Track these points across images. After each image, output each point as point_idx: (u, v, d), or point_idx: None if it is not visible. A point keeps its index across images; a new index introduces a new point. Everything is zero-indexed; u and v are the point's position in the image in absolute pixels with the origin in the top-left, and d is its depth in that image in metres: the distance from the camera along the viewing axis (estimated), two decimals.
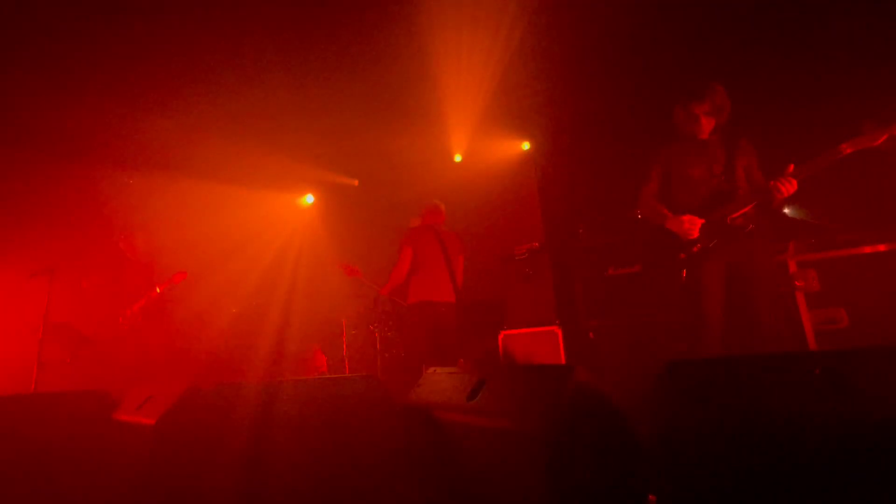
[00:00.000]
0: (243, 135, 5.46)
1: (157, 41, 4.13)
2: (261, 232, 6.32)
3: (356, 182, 6.64)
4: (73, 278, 4.39)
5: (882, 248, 2.66)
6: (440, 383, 1.50)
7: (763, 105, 3.55)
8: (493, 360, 4.19)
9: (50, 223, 4.89)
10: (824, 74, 3.44)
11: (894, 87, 3.04)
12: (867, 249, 2.69)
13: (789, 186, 2.25)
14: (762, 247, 2.44)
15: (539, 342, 3.73)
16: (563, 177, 5.19)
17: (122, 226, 4.60)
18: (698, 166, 2.55)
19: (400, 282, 3.47)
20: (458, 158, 5.88)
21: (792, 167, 2.26)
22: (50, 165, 4.89)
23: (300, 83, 4.94)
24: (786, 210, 3.27)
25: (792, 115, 3.46)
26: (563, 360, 3.57)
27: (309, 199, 6.82)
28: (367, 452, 1.37)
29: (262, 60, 4.52)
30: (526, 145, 5.64)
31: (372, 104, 5.35)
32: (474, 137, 5.65)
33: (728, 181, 2.46)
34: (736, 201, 2.42)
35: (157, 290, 4.22)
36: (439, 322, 3.35)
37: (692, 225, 2.46)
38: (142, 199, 5.31)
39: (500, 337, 3.96)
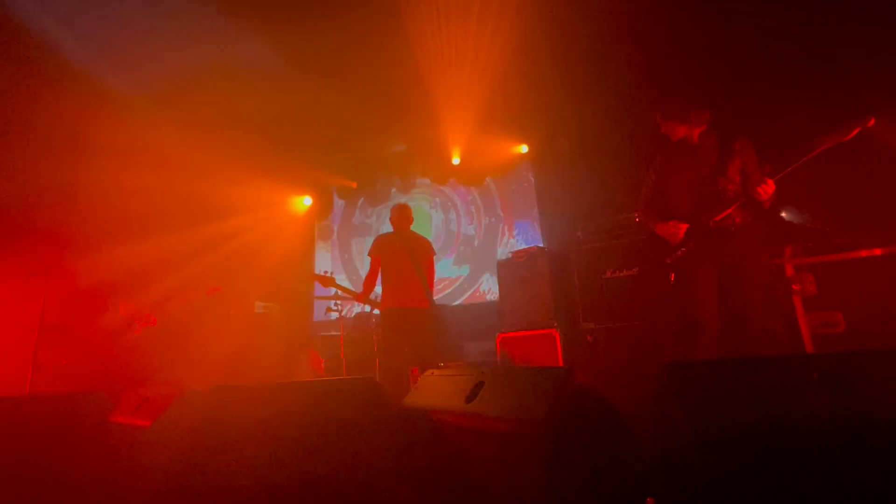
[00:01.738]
0: (242, 137, 5.46)
1: (159, 44, 4.13)
2: (259, 234, 6.31)
3: (354, 184, 6.64)
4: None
5: (878, 251, 2.67)
6: (438, 386, 1.50)
7: (763, 105, 3.57)
8: (492, 363, 4.18)
9: (47, 225, 4.87)
10: (825, 75, 3.46)
11: (870, 84, 3.08)
12: (864, 253, 2.71)
13: (766, 187, 2.27)
14: (750, 248, 2.45)
15: (537, 345, 3.73)
16: (561, 179, 5.21)
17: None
18: (688, 170, 2.56)
19: (370, 291, 3.51)
20: (456, 161, 5.89)
21: (768, 168, 2.28)
22: (48, 167, 4.87)
23: (298, 85, 4.95)
24: (783, 214, 3.29)
25: (790, 115, 3.48)
26: (560, 363, 3.57)
27: (307, 201, 6.81)
28: (365, 455, 1.36)
29: (262, 61, 4.52)
30: (524, 148, 5.66)
31: (370, 106, 5.35)
32: (472, 140, 5.66)
33: (715, 183, 2.47)
34: (721, 203, 2.44)
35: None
36: (413, 328, 3.35)
37: (677, 229, 2.49)
38: (140, 201, 5.29)
39: (499, 339, 3.96)
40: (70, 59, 4.11)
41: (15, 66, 4.13)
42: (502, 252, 5.54)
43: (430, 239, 3.78)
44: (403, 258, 3.44)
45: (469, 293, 5.72)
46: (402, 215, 3.67)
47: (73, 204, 4.97)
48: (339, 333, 4.54)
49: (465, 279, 5.77)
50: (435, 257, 3.70)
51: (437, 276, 4.01)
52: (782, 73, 3.66)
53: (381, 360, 3.99)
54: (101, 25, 3.88)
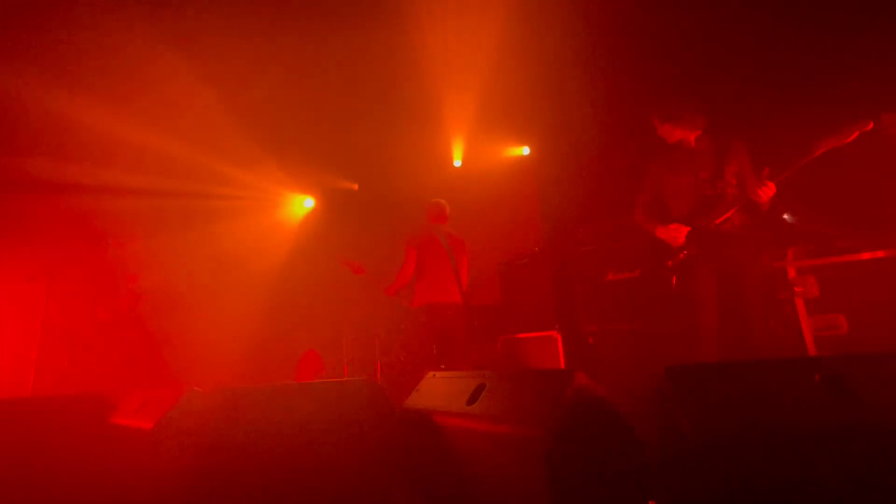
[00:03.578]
0: (243, 138, 5.46)
1: (158, 43, 4.14)
2: (260, 235, 6.32)
3: (356, 186, 6.65)
4: (75, 286, 4.40)
5: (881, 254, 2.66)
6: (440, 388, 1.50)
7: (763, 108, 3.57)
8: (493, 365, 4.17)
9: (48, 227, 4.88)
10: (824, 77, 3.46)
11: (870, 85, 3.08)
12: (866, 255, 2.70)
13: (767, 190, 2.27)
14: (750, 250, 2.46)
15: (538, 347, 3.72)
16: (563, 181, 5.20)
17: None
18: (685, 174, 2.58)
19: (406, 283, 3.44)
20: (457, 163, 5.89)
21: (767, 170, 2.29)
22: (48, 169, 4.89)
23: (299, 87, 4.96)
24: (785, 216, 3.29)
25: (790, 118, 3.48)
26: (562, 365, 3.56)
27: (308, 203, 6.81)
28: (366, 457, 1.36)
29: (262, 63, 4.54)
30: (525, 150, 5.66)
31: (372, 108, 5.36)
32: (473, 142, 5.67)
33: (713, 187, 2.48)
34: (720, 206, 2.44)
35: (129, 289, 4.26)
36: (447, 323, 3.34)
37: (678, 232, 2.50)
38: (140, 203, 5.30)
39: (500, 342, 3.95)
40: (67, 55, 4.11)
41: (12, 65, 4.15)
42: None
43: None
44: (440, 253, 3.41)
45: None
46: (440, 212, 3.64)
47: (75, 207, 4.99)
48: (341, 335, 4.54)
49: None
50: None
51: None
52: (782, 76, 3.67)
53: (404, 357, 3.95)
54: (101, 23, 3.89)
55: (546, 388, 1.07)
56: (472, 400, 1.26)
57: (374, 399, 1.47)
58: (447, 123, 5.41)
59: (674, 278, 2.57)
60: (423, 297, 3.35)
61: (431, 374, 1.62)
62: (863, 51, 3.27)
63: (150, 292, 4.39)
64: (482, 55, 4.49)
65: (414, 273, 3.42)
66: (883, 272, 2.64)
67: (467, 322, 3.65)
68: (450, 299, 3.36)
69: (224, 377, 4.84)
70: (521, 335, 3.86)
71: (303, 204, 6.79)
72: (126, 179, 5.20)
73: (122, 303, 4.24)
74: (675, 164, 2.63)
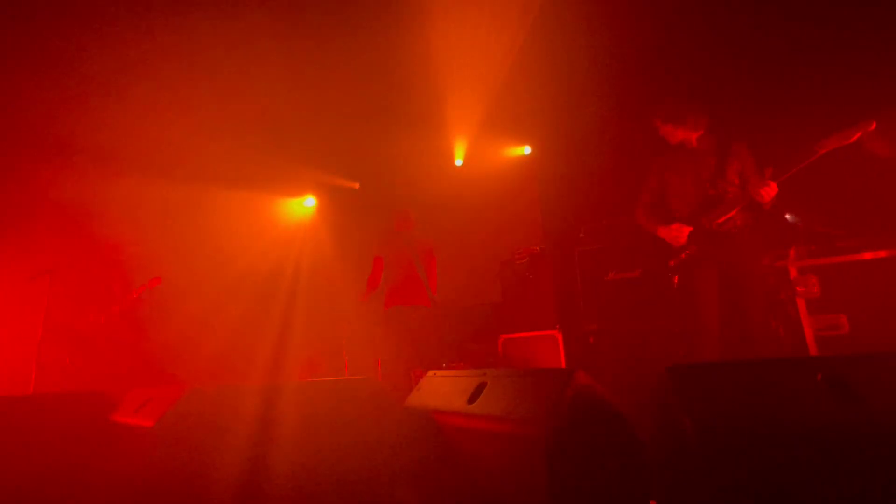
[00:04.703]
0: (244, 137, 5.47)
1: (158, 43, 4.15)
2: (261, 235, 6.32)
3: (357, 185, 6.65)
4: (73, 283, 4.41)
5: (883, 254, 2.66)
6: (441, 386, 1.50)
7: (766, 108, 3.56)
8: (494, 364, 4.17)
9: (50, 225, 4.89)
10: (827, 77, 3.46)
11: (872, 86, 3.08)
12: (868, 255, 2.69)
13: (769, 190, 2.27)
14: (751, 250, 2.46)
15: (539, 346, 3.72)
16: (564, 181, 5.20)
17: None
18: (687, 174, 2.58)
19: (373, 290, 3.62)
20: (458, 162, 5.89)
21: (770, 170, 2.29)
22: (50, 167, 4.89)
23: (302, 86, 4.96)
24: (787, 216, 3.28)
25: (792, 118, 3.48)
26: (563, 365, 3.56)
27: (309, 202, 6.81)
28: (367, 456, 1.37)
29: (264, 62, 4.54)
30: (527, 149, 5.65)
31: (373, 107, 5.36)
32: (475, 141, 5.66)
33: (715, 187, 2.48)
34: (722, 206, 2.44)
35: (135, 294, 4.28)
36: (413, 326, 3.45)
37: (680, 232, 2.50)
38: (142, 202, 5.31)
39: (501, 341, 3.96)
40: (68, 52, 4.11)
41: (15, 64, 4.15)
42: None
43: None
44: (406, 257, 3.53)
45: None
46: (404, 219, 3.77)
47: (76, 206, 4.99)
48: (341, 334, 4.55)
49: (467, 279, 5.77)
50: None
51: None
52: (783, 76, 3.66)
53: (382, 360, 4.04)
54: (104, 25, 3.89)
55: (547, 387, 1.07)
56: (472, 399, 1.27)
57: (375, 397, 1.47)
58: (449, 122, 5.41)
59: (675, 278, 2.58)
60: (391, 300, 3.51)
61: (432, 372, 1.63)
62: (867, 50, 3.26)
63: (150, 293, 4.40)
64: (484, 55, 4.48)
65: (381, 279, 3.57)
66: (884, 272, 2.64)
67: (468, 321, 3.70)
68: (416, 302, 3.51)
69: (225, 376, 4.85)
70: (521, 334, 3.87)
71: (304, 203, 6.80)
72: (127, 179, 5.21)
73: (115, 306, 4.26)
74: (678, 165, 2.63)
